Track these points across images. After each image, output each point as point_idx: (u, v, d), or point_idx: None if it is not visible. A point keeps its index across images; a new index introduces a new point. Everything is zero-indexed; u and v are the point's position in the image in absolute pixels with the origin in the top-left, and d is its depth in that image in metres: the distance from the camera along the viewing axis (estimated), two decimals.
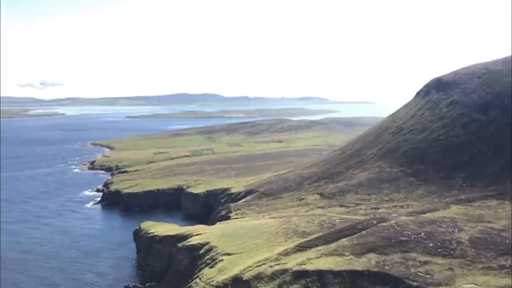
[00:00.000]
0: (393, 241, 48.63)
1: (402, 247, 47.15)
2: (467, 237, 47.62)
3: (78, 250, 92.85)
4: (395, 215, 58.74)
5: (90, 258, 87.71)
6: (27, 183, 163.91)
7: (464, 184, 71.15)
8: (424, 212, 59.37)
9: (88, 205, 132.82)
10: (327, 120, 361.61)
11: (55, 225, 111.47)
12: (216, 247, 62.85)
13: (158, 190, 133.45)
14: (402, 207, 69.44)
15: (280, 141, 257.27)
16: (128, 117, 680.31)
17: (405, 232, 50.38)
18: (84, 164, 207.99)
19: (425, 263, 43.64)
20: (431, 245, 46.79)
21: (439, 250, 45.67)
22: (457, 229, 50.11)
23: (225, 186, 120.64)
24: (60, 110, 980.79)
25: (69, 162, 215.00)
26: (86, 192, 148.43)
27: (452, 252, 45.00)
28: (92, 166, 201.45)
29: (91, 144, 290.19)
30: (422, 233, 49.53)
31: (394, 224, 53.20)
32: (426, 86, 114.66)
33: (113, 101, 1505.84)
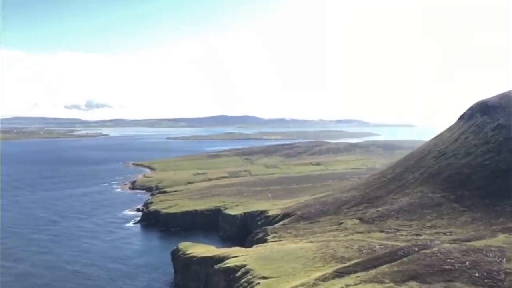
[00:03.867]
0: (435, 269, 46.83)
1: (445, 276, 45.28)
2: None
3: (120, 266, 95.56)
4: (438, 242, 56.68)
5: (130, 276, 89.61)
6: (81, 200, 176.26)
7: None
8: (468, 240, 57.00)
9: (130, 224, 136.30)
10: (367, 143, 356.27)
11: (103, 240, 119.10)
12: (253, 270, 62.59)
13: (196, 210, 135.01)
14: (445, 234, 66.99)
15: (318, 164, 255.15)
16: (168, 138, 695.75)
17: (449, 260, 48.43)
18: (125, 184, 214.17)
19: None
20: (477, 275, 44.70)
21: (485, 280, 43.55)
22: (505, 259, 47.69)
23: (262, 208, 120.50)
24: (105, 131, 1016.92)
25: (112, 182, 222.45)
26: (128, 211, 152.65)
27: (500, 284, 42.77)
28: (133, 186, 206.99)
29: (133, 164, 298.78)
30: (467, 262, 47.43)
31: (436, 252, 51.30)
32: (470, 109, 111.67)
33: (156, 122, 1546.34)
